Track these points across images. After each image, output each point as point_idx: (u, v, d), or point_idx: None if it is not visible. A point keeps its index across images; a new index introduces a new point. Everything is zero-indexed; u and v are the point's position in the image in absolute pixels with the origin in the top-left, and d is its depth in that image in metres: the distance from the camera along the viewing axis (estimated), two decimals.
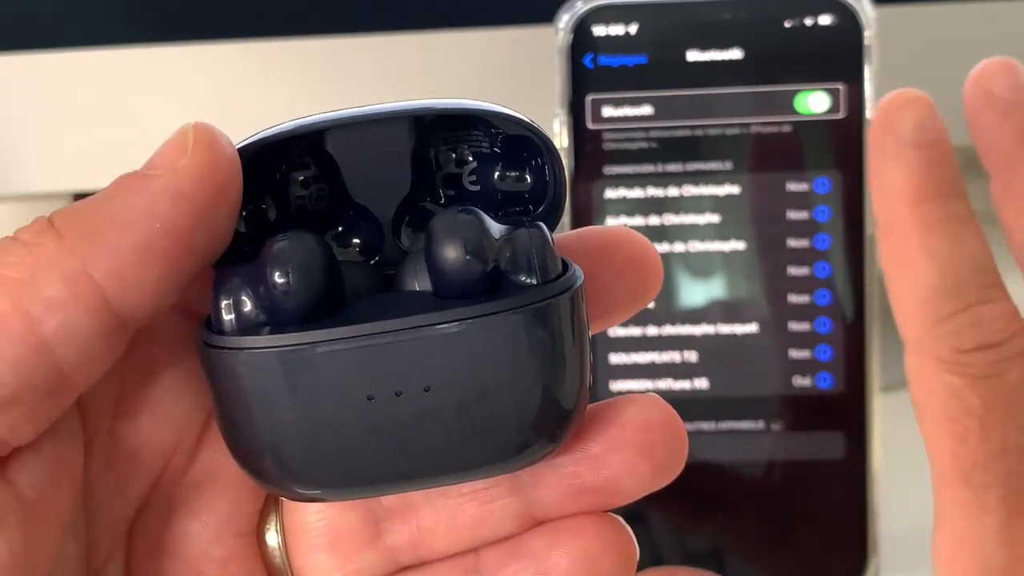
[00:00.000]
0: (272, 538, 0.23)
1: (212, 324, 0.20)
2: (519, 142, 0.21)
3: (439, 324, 0.19)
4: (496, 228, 0.20)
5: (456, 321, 0.19)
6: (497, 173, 0.22)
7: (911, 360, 0.25)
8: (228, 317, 0.20)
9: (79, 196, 0.60)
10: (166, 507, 0.22)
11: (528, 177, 0.22)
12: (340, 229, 0.22)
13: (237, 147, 0.20)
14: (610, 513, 0.22)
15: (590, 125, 0.39)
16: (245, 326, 0.20)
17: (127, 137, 0.53)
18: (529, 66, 0.41)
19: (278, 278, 0.19)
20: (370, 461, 0.20)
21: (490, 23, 0.49)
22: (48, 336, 0.19)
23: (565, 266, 0.20)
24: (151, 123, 0.53)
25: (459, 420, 0.19)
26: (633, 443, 0.21)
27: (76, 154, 0.53)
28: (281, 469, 0.20)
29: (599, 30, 0.39)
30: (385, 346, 0.19)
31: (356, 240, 0.22)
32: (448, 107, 0.21)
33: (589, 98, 0.39)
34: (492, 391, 0.19)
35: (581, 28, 0.39)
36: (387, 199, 0.22)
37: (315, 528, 0.23)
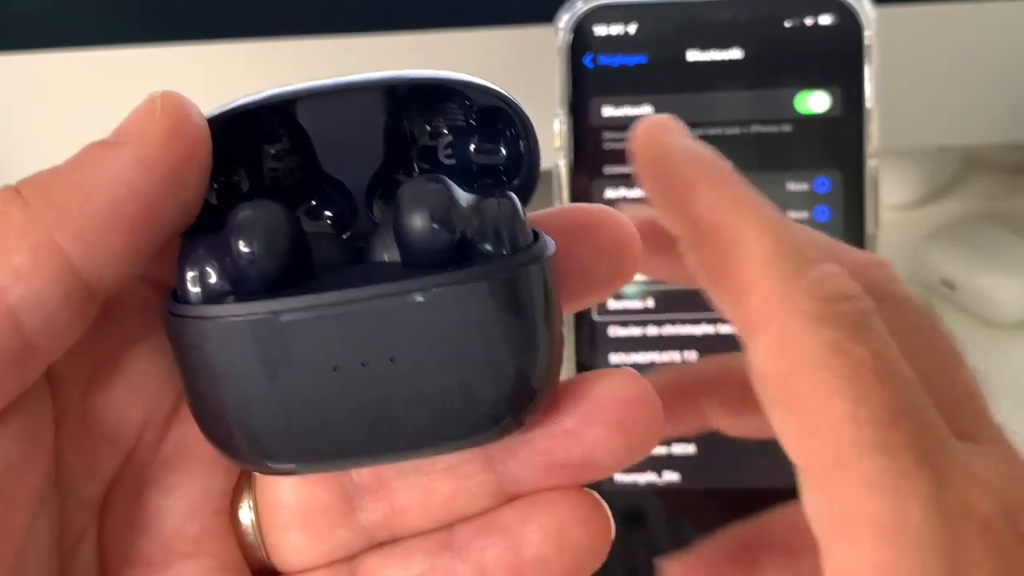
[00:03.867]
0: (245, 516, 0.23)
1: (177, 294, 0.20)
2: (494, 114, 0.21)
3: (404, 293, 0.18)
4: (465, 198, 0.20)
5: (421, 290, 0.18)
6: (472, 146, 0.22)
7: (770, 330, 0.22)
8: (193, 288, 0.19)
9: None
10: (139, 484, 0.22)
11: (503, 150, 0.21)
12: (313, 202, 0.22)
13: (208, 117, 0.20)
14: (584, 488, 0.22)
15: (590, 125, 0.39)
16: (210, 296, 0.19)
17: None
18: (529, 66, 0.41)
19: (243, 247, 0.19)
20: (337, 433, 0.19)
21: (490, 23, 0.49)
22: (14, 304, 0.18)
23: (536, 237, 0.20)
24: None
25: (425, 392, 0.19)
26: (607, 418, 0.21)
27: None
28: (248, 441, 0.19)
29: (599, 30, 0.39)
30: (349, 315, 0.18)
31: (328, 213, 0.22)
32: (421, 77, 0.21)
33: (589, 98, 0.39)
34: (458, 363, 0.19)
35: (581, 28, 0.39)
36: (360, 172, 0.22)
37: (288, 506, 0.23)
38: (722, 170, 0.24)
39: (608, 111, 0.39)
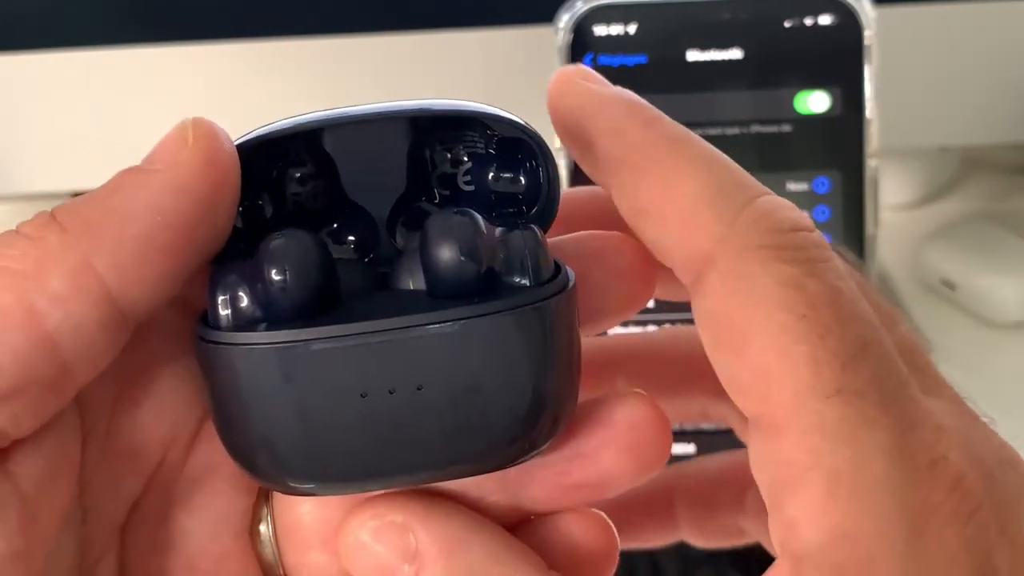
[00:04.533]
0: (265, 535, 0.23)
1: (208, 320, 0.20)
2: (514, 144, 0.22)
3: (433, 324, 0.19)
4: (490, 230, 0.20)
5: (450, 321, 0.19)
6: (491, 174, 0.22)
7: (717, 269, 0.20)
8: (224, 313, 0.20)
9: (79, 196, 0.60)
10: (162, 504, 0.22)
11: (522, 179, 0.22)
12: (335, 226, 0.22)
13: (236, 143, 0.20)
14: (593, 509, 0.22)
15: None
16: (241, 322, 0.20)
17: (126, 137, 0.53)
18: (529, 66, 0.41)
19: (275, 276, 0.19)
20: (362, 456, 0.20)
21: (490, 23, 0.49)
22: (52, 329, 0.18)
23: (558, 268, 0.21)
24: (150, 123, 0.53)
25: (450, 418, 0.19)
26: (621, 441, 0.21)
27: (76, 154, 0.53)
28: (274, 463, 0.20)
29: (599, 30, 0.39)
30: (379, 345, 0.19)
31: (351, 238, 0.22)
32: (444, 108, 0.21)
33: None
34: (484, 390, 0.19)
35: (581, 28, 0.39)
36: (383, 198, 0.22)
37: (308, 527, 0.23)
38: (649, 110, 0.22)
39: None
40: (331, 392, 0.19)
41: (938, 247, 0.57)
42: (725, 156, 0.21)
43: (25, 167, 0.53)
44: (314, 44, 0.50)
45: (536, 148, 0.21)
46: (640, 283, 0.23)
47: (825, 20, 0.39)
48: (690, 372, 0.27)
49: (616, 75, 0.39)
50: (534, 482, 0.22)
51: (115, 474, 0.21)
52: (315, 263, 0.19)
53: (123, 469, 0.21)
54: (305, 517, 0.23)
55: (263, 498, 0.23)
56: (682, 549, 0.32)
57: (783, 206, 0.20)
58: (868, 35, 0.38)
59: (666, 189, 0.21)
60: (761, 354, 0.19)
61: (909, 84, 0.50)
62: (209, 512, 0.22)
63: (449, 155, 0.22)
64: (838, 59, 0.39)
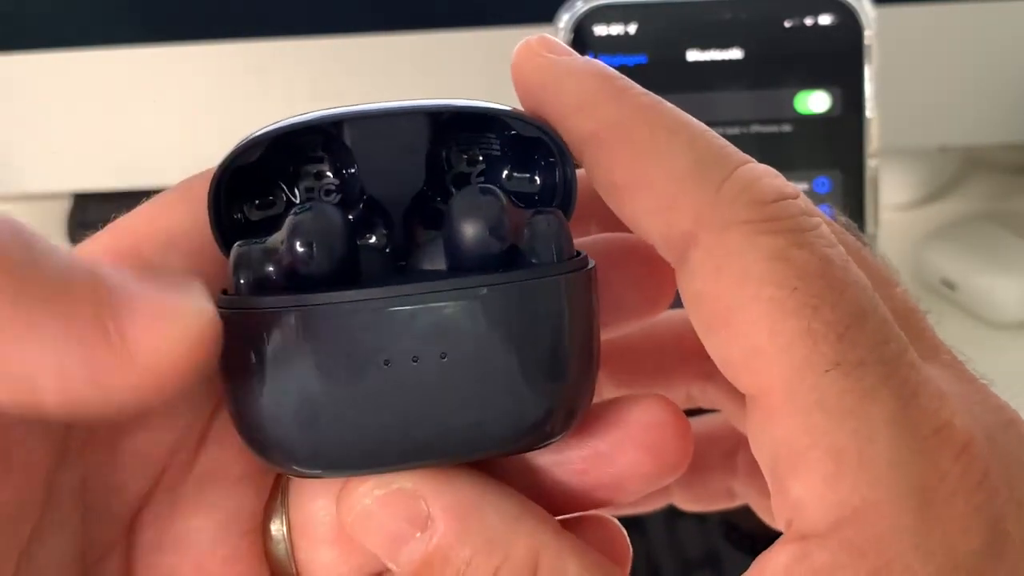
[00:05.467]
0: (277, 533, 0.23)
1: (229, 293, 0.20)
2: (531, 143, 0.22)
3: (459, 289, 0.19)
4: (514, 210, 0.20)
5: (476, 287, 0.19)
6: (508, 173, 0.22)
7: (702, 246, 0.19)
8: (245, 282, 0.20)
9: (79, 196, 0.60)
10: (170, 503, 0.22)
11: (538, 178, 0.22)
12: (352, 220, 0.22)
13: (255, 135, 0.20)
14: (609, 517, 0.22)
15: None
16: (263, 291, 0.20)
17: (126, 137, 0.53)
18: None
19: (299, 245, 0.19)
20: (382, 432, 0.19)
21: (490, 23, 0.49)
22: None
23: (578, 253, 0.21)
24: (150, 123, 0.53)
25: (473, 391, 0.19)
26: (640, 442, 0.21)
27: (76, 154, 0.53)
28: (292, 440, 0.20)
29: (599, 30, 0.39)
30: (406, 309, 0.19)
31: (368, 233, 0.22)
32: (466, 106, 0.21)
33: None
34: (506, 363, 0.19)
35: (581, 28, 0.39)
36: (400, 194, 0.22)
37: (321, 523, 0.22)
38: (619, 79, 0.21)
39: None
40: (355, 358, 0.19)
41: (938, 247, 0.57)
42: (700, 124, 0.20)
43: (25, 167, 0.53)
44: (313, 44, 0.50)
45: (555, 147, 0.21)
46: (660, 286, 0.23)
47: (825, 20, 0.39)
48: (670, 358, 0.27)
49: None
50: (552, 482, 0.22)
51: (119, 473, 0.21)
52: (340, 233, 0.20)
53: (128, 469, 0.21)
54: (319, 512, 0.22)
55: (277, 494, 0.23)
56: (681, 551, 0.32)
57: (765, 173, 0.19)
58: (868, 35, 0.38)
59: (641, 165, 0.20)
60: (753, 332, 0.18)
61: (909, 84, 0.50)
62: (218, 512, 0.22)
63: (466, 155, 0.22)
64: (838, 59, 0.39)
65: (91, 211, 0.59)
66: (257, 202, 0.21)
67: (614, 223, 0.21)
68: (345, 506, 0.21)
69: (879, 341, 0.18)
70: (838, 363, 0.18)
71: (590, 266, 0.21)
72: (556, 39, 0.22)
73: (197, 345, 0.17)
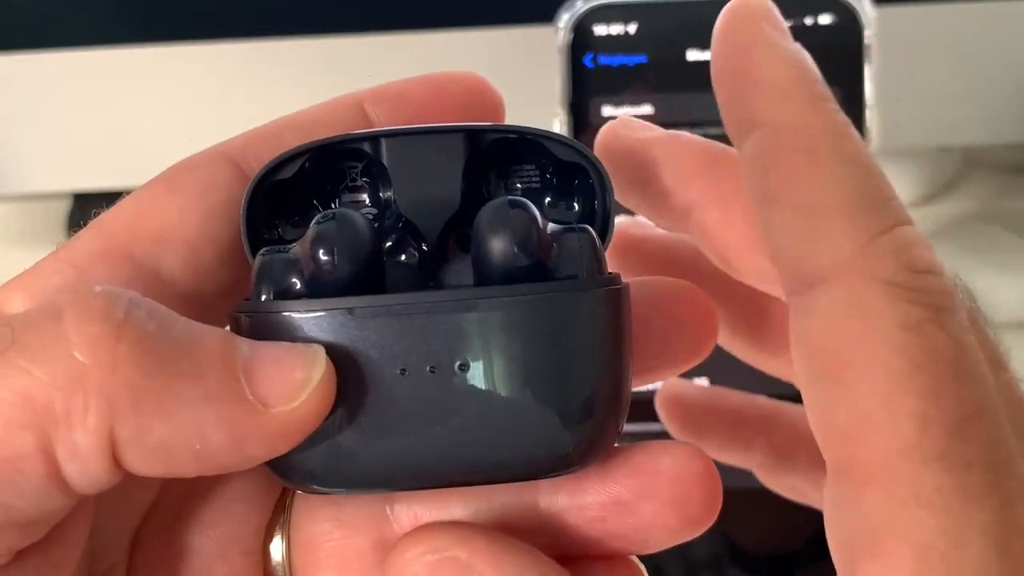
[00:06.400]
0: (277, 553, 0.23)
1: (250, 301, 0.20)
2: (569, 167, 0.21)
3: (480, 299, 0.19)
4: (545, 224, 0.20)
5: (497, 298, 0.19)
6: (545, 199, 0.22)
7: (836, 290, 0.18)
8: (266, 288, 0.19)
9: (79, 196, 0.60)
10: (171, 521, 0.22)
11: (576, 204, 0.22)
12: (384, 237, 0.22)
13: (288, 152, 0.20)
14: (630, 558, 0.21)
15: (590, 124, 0.39)
16: (283, 298, 0.19)
17: (126, 137, 0.53)
18: (529, 66, 0.41)
19: (322, 253, 0.19)
20: (396, 447, 0.19)
21: (490, 23, 0.49)
22: (67, 477, 0.17)
23: (610, 273, 0.20)
24: (151, 123, 0.53)
25: (490, 408, 0.19)
26: (666, 495, 0.20)
27: (76, 154, 0.53)
28: (303, 452, 0.19)
29: (599, 29, 0.39)
30: (424, 316, 0.18)
31: (402, 255, 0.22)
32: (506, 128, 0.21)
33: (589, 97, 0.39)
34: (527, 380, 0.19)
35: (581, 27, 0.39)
36: (435, 217, 0.21)
37: (323, 548, 0.22)
38: (822, 83, 0.20)
39: (608, 110, 0.39)
40: (370, 366, 0.19)
41: (938, 247, 0.57)
42: (877, 163, 0.19)
43: (25, 167, 0.52)
44: (313, 44, 0.50)
45: (595, 174, 0.21)
46: (703, 331, 0.22)
47: (825, 20, 0.39)
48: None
49: (616, 75, 0.39)
50: (565, 526, 0.21)
51: (124, 491, 0.21)
52: (362, 240, 0.19)
53: (132, 486, 0.21)
54: (322, 537, 0.22)
55: (279, 515, 0.23)
56: (686, 553, 0.32)
57: (921, 243, 0.19)
58: (868, 35, 0.38)
59: (810, 180, 0.19)
60: (865, 397, 0.17)
61: (909, 84, 0.50)
62: (219, 529, 0.22)
63: (504, 182, 0.22)
64: (838, 59, 0.39)
65: (91, 211, 0.59)
66: (296, 218, 0.21)
67: None
68: (394, 567, 0.20)
69: (991, 445, 0.17)
70: (943, 456, 0.17)
71: (623, 284, 0.20)
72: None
73: (327, 395, 0.18)
